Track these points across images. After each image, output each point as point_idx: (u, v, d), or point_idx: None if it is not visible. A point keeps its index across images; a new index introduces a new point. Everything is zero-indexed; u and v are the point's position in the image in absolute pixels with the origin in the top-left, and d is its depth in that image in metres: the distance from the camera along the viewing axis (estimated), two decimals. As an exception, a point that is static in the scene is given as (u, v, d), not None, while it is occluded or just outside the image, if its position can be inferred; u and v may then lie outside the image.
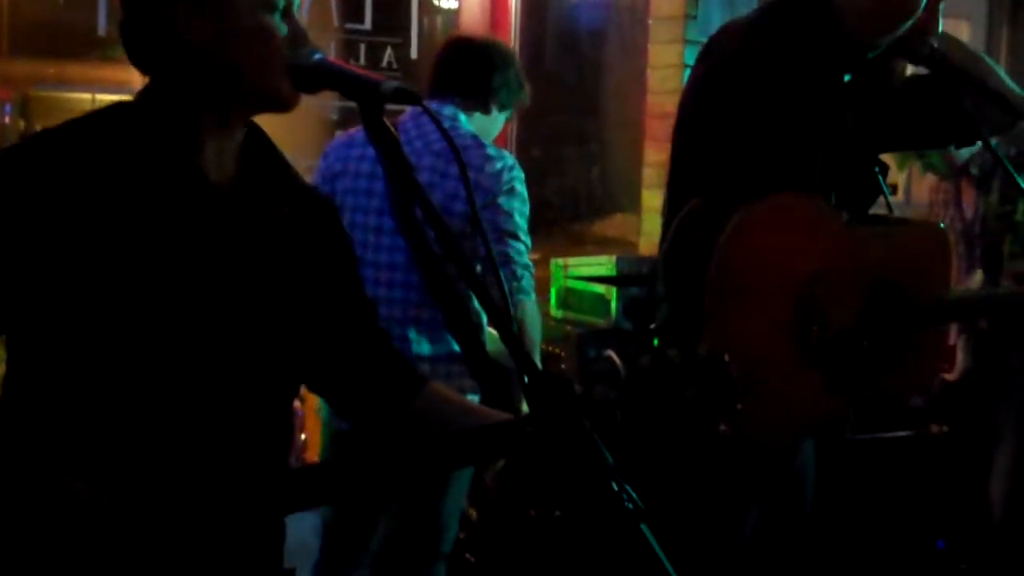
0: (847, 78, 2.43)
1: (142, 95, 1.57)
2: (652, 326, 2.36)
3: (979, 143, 3.75)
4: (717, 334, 2.22)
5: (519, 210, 2.98)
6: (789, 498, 2.61)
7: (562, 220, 5.56)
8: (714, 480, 2.37)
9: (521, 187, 3.00)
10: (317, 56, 1.51)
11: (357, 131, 3.10)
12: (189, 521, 1.38)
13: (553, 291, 4.52)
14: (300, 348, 1.65)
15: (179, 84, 1.54)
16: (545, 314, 4.49)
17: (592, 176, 5.74)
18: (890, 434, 3.88)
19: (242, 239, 1.58)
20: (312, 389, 1.83)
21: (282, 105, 1.56)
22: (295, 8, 1.57)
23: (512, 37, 5.15)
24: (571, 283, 4.47)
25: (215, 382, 1.55)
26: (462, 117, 3.03)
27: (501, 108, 3.12)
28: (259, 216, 1.60)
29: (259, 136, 1.66)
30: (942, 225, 2.73)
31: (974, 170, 3.94)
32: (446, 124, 2.85)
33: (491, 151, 2.98)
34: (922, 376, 2.47)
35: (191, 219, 1.53)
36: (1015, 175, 2.50)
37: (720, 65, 2.36)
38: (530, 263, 3.03)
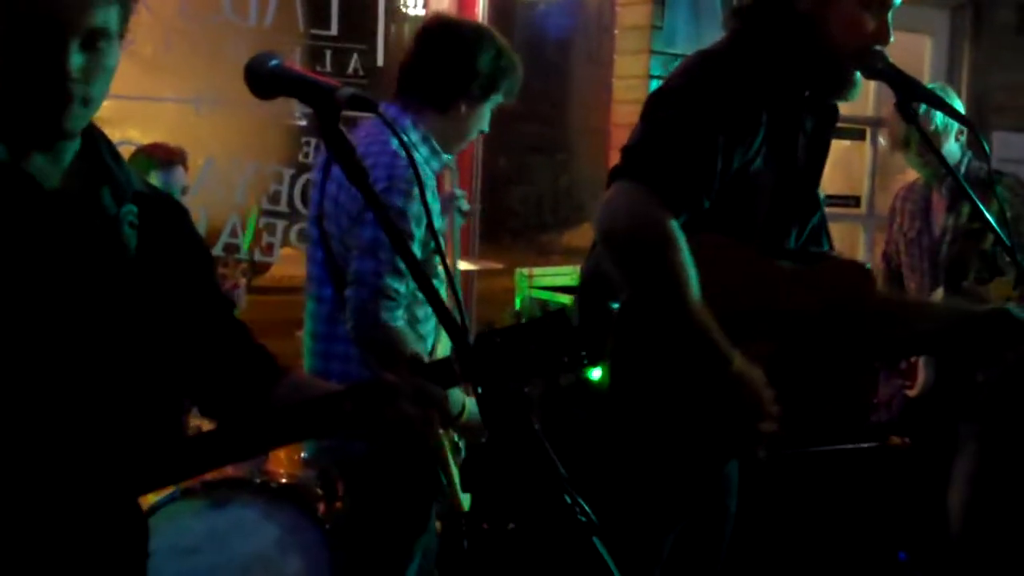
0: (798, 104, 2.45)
1: None
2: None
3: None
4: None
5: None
6: (712, 516, 2.62)
7: (527, 230, 5.55)
8: (635, 500, 2.37)
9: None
10: (274, 62, 1.51)
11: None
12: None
13: (518, 301, 4.51)
14: (154, 346, 1.65)
15: None
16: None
17: (558, 185, 5.74)
18: (852, 446, 3.90)
19: (80, 242, 1.59)
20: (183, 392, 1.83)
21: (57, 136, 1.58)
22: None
23: (479, 46, 5.13)
24: (536, 293, 4.46)
25: (64, 386, 1.55)
26: (408, 123, 2.86)
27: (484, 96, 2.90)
28: (98, 219, 1.62)
29: (96, 143, 1.67)
30: (868, 266, 2.74)
31: (944, 190, 3.96)
32: (379, 132, 2.76)
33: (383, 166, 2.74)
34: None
35: (25, 226, 1.55)
36: (977, 203, 2.52)
37: (682, 82, 2.36)
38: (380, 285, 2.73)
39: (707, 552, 2.64)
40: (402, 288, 2.66)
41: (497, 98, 2.95)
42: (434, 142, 2.88)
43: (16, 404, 1.51)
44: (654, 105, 2.35)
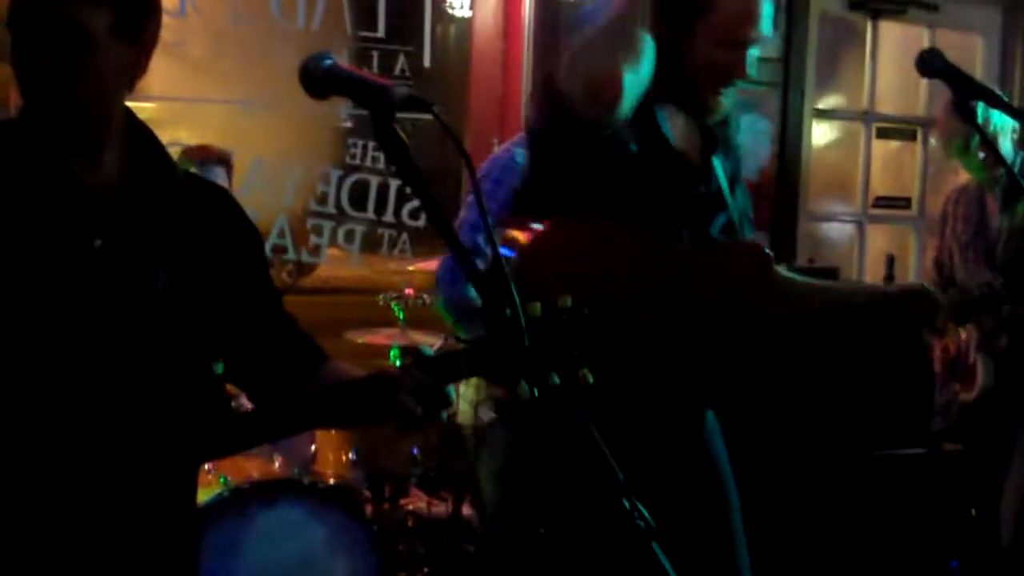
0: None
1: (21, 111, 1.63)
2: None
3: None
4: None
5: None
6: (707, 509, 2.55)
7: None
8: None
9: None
10: (328, 61, 1.50)
11: None
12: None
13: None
14: (205, 339, 1.68)
15: None
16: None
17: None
18: (905, 451, 3.85)
19: (128, 240, 1.61)
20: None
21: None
22: None
23: (525, 46, 5.14)
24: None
25: (112, 385, 1.56)
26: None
27: None
28: (146, 216, 1.63)
29: (142, 137, 1.69)
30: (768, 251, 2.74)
31: (998, 191, 3.89)
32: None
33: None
34: None
35: (69, 225, 1.57)
36: None
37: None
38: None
39: (716, 547, 2.58)
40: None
41: None
42: None
43: (61, 399, 1.52)
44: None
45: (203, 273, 1.69)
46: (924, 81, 2.48)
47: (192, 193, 1.73)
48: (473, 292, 2.72)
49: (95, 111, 1.60)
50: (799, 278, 2.83)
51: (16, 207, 1.55)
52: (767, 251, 2.57)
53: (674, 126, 2.49)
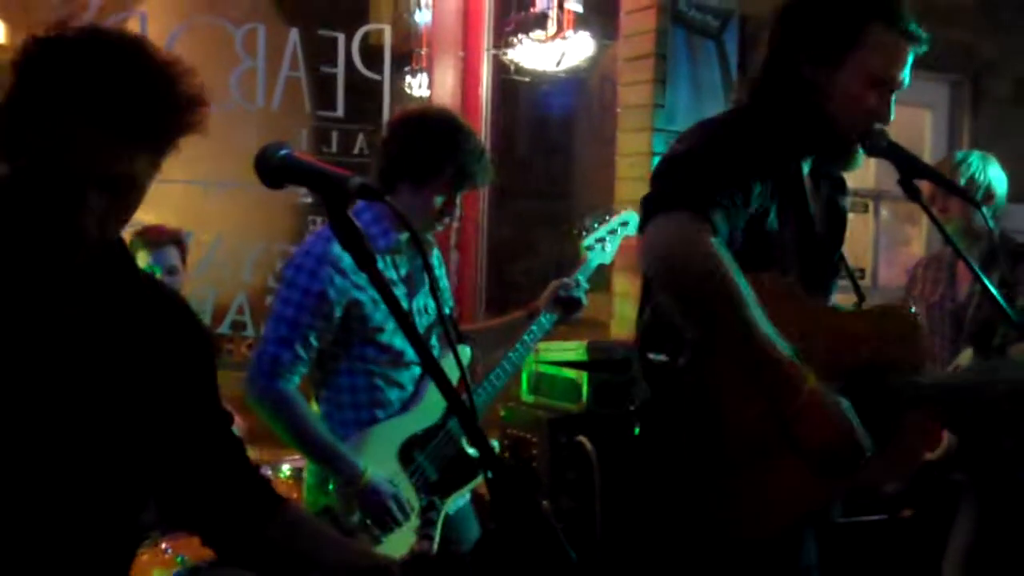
0: (806, 169, 2.48)
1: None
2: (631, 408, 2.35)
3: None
4: (709, 413, 2.22)
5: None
6: None
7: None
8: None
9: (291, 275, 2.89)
10: (283, 151, 1.51)
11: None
12: None
13: (524, 376, 4.51)
14: (147, 448, 1.62)
15: None
16: (516, 398, 4.48)
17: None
18: (864, 518, 3.86)
19: (80, 351, 1.56)
20: (165, 509, 1.78)
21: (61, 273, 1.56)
22: None
23: (484, 124, 5.21)
24: (542, 367, 4.46)
25: (49, 503, 1.52)
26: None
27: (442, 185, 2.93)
28: (100, 328, 1.59)
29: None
30: (913, 309, 2.74)
31: (974, 253, 3.97)
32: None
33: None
34: (903, 463, 2.45)
35: (29, 332, 1.52)
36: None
37: (684, 143, 2.39)
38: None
39: None
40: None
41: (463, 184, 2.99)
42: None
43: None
44: (663, 161, 2.40)
45: (155, 381, 1.65)
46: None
47: (153, 302, 1.70)
48: (289, 386, 2.78)
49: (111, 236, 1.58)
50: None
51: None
52: (919, 318, 2.52)
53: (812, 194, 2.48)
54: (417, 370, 2.99)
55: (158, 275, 3.50)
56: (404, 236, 2.93)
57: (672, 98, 4.66)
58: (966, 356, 3.87)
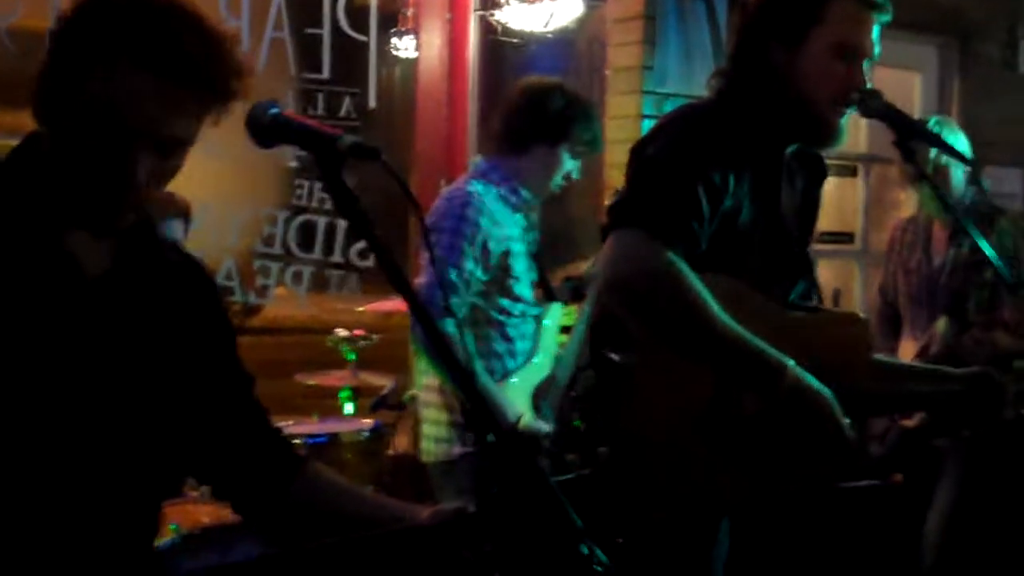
0: (790, 150, 2.46)
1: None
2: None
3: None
4: (638, 413, 2.24)
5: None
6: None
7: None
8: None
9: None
10: (274, 110, 1.48)
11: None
12: None
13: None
14: (176, 429, 1.63)
15: None
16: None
17: (552, 224, 5.76)
18: (855, 483, 3.86)
19: (112, 327, 1.57)
20: (193, 473, 1.80)
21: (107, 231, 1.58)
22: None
23: (470, 86, 5.17)
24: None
25: (84, 468, 1.52)
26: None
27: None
28: (130, 302, 1.60)
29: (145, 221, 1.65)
30: (863, 316, 2.72)
31: (947, 222, 3.96)
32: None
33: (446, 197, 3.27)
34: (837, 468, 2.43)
35: (61, 307, 1.53)
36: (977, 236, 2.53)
37: (659, 141, 2.38)
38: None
39: None
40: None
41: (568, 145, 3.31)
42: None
43: (23, 482, 1.49)
44: (636, 163, 2.38)
45: (179, 352, 1.65)
46: (865, 119, 2.51)
47: (177, 273, 1.70)
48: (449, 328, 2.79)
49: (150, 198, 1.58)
50: (892, 359, 2.77)
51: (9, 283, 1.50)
52: (868, 324, 2.53)
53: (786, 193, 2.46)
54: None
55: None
56: (527, 193, 3.30)
57: (661, 60, 4.62)
58: (941, 324, 3.87)
